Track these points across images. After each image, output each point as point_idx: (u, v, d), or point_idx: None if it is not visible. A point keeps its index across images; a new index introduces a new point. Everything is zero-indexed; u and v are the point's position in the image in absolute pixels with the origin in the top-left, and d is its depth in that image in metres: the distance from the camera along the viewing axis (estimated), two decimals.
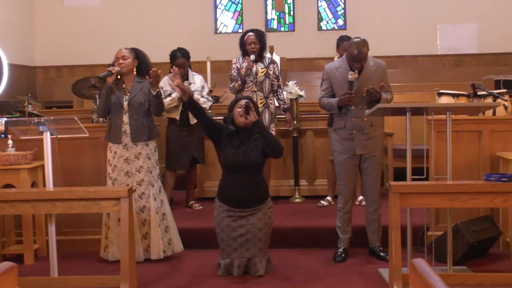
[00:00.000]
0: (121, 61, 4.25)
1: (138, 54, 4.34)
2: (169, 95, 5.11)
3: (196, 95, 5.11)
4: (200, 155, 5.42)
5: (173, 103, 5.13)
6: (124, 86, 4.31)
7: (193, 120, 5.21)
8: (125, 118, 4.26)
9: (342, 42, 5.40)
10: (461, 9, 9.08)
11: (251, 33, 5.30)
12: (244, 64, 5.25)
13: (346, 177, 4.27)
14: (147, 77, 4.15)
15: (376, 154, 4.27)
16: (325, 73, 4.34)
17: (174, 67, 4.13)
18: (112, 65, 4.29)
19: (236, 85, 5.26)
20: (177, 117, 5.24)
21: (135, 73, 4.32)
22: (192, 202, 5.51)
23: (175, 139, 5.30)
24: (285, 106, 5.44)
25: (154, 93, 4.19)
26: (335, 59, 5.46)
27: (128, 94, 4.28)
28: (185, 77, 5.24)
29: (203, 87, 5.30)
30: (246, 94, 5.18)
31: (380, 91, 4.10)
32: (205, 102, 5.20)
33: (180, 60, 5.22)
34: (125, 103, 4.26)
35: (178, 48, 5.32)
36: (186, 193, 5.59)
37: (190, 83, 5.22)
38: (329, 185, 5.55)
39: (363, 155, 4.24)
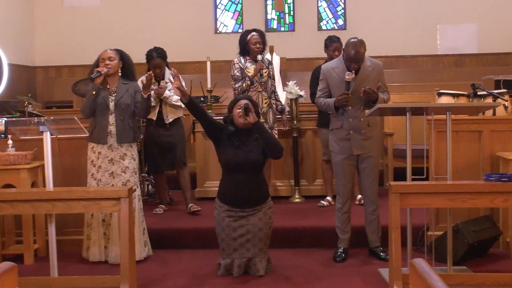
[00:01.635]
0: (107, 62, 4.24)
1: (122, 56, 4.34)
2: None
3: (169, 92, 5.03)
4: (183, 154, 5.29)
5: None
6: (108, 87, 4.30)
7: (167, 120, 5.14)
8: (111, 118, 4.25)
9: (332, 44, 5.35)
10: (461, 9, 9.08)
11: (255, 33, 5.27)
12: (248, 64, 5.23)
13: (344, 177, 4.27)
14: (141, 79, 4.14)
15: (374, 154, 4.27)
16: (321, 73, 4.33)
17: (173, 68, 4.10)
18: (96, 65, 4.27)
19: (244, 85, 5.16)
20: (154, 117, 5.15)
21: (119, 74, 4.32)
22: (191, 205, 5.25)
23: (157, 140, 5.20)
24: (281, 107, 5.43)
25: (145, 96, 4.20)
26: (334, 59, 5.45)
27: (114, 95, 4.27)
28: (161, 77, 5.16)
29: None
30: (252, 94, 5.13)
31: (377, 92, 4.11)
32: (179, 100, 4.94)
33: (156, 60, 5.11)
34: (111, 104, 4.25)
35: (154, 48, 5.20)
36: (184, 197, 5.36)
37: (166, 82, 5.11)
38: (326, 185, 5.55)
39: (360, 156, 4.24)
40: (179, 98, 4.97)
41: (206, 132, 4.23)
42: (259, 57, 5.20)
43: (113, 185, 4.22)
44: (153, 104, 5.06)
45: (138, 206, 4.28)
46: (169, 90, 5.04)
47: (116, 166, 4.26)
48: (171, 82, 3.97)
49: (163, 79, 5.17)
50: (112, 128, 4.25)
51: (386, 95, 4.27)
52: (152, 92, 4.99)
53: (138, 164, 4.41)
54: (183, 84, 4.33)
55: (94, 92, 4.20)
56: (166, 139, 5.21)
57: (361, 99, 4.15)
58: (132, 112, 4.31)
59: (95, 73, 4.18)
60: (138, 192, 4.31)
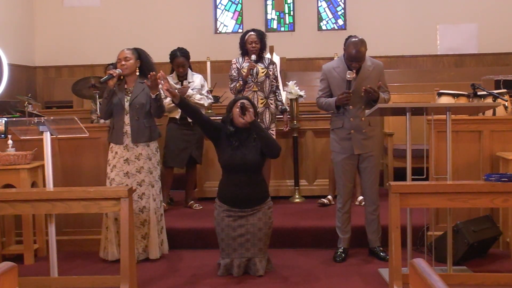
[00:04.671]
0: (123, 62, 4.24)
1: (140, 55, 4.33)
2: None
3: (192, 91, 5.16)
4: (198, 154, 5.41)
5: (171, 103, 5.09)
6: (126, 86, 4.31)
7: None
8: (126, 119, 4.27)
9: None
10: (461, 9, 9.08)
11: (252, 33, 5.29)
12: (245, 64, 5.24)
13: (344, 177, 4.27)
14: (145, 81, 4.15)
15: (374, 154, 4.27)
16: (322, 73, 4.34)
17: (161, 71, 4.09)
18: (115, 66, 4.29)
19: (237, 85, 5.23)
20: (177, 116, 5.25)
21: (137, 73, 4.32)
22: (191, 202, 5.50)
23: (175, 137, 5.30)
24: (283, 107, 5.44)
25: (153, 96, 4.19)
26: (335, 59, 5.45)
27: (130, 95, 4.28)
28: (184, 77, 5.29)
29: (202, 86, 5.33)
30: (247, 94, 5.18)
31: (378, 91, 4.11)
32: (201, 99, 5.22)
33: (180, 59, 5.26)
34: (127, 104, 4.26)
35: (178, 48, 5.35)
36: (185, 193, 5.58)
37: (189, 82, 5.25)
38: (331, 185, 5.55)
39: (361, 155, 4.24)
40: (202, 97, 5.19)
41: (204, 132, 4.25)
42: (253, 57, 5.21)
43: (127, 184, 4.22)
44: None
45: (152, 206, 4.29)
46: (192, 89, 5.19)
47: (131, 166, 4.27)
48: (162, 84, 3.98)
49: (186, 78, 5.26)
50: (127, 128, 4.26)
51: (387, 95, 4.27)
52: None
53: (157, 163, 4.39)
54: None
55: (107, 95, 4.22)
56: (185, 138, 5.30)
57: (362, 98, 4.15)
58: (147, 111, 4.30)
59: (107, 75, 4.18)
60: (153, 191, 4.31)
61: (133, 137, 4.26)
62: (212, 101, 5.50)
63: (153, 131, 4.35)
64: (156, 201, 4.35)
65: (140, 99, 4.26)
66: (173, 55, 5.30)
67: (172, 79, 5.22)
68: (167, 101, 5.01)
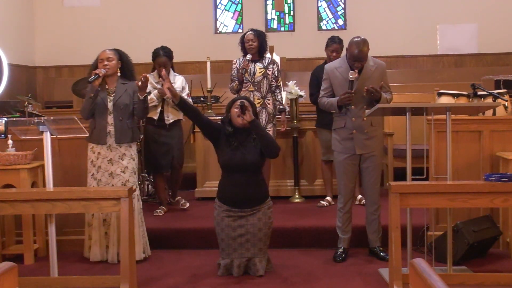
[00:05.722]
0: (106, 62, 4.23)
1: (121, 56, 4.33)
2: (148, 93, 4.94)
3: None
4: (180, 156, 5.33)
5: (152, 102, 5.04)
6: (107, 87, 4.29)
7: (168, 120, 5.16)
8: (110, 119, 4.24)
9: (332, 44, 5.35)
10: (461, 9, 9.09)
11: (250, 32, 5.30)
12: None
13: (346, 177, 4.27)
14: (136, 82, 4.15)
15: (376, 154, 4.26)
16: (325, 73, 4.34)
17: (164, 72, 4.07)
18: (95, 66, 4.27)
19: (234, 85, 5.26)
20: (155, 117, 5.16)
21: (118, 74, 4.31)
22: (178, 198, 5.44)
23: (156, 140, 5.23)
24: (281, 107, 5.41)
25: (141, 97, 4.18)
26: (338, 59, 5.44)
27: (113, 95, 4.25)
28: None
29: (183, 88, 5.20)
30: (244, 94, 5.18)
31: (380, 91, 4.11)
32: None
33: (162, 58, 5.13)
34: (110, 104, 4.24)
35: (162, 47, 5.23)
36: (171, 191, 5.53)
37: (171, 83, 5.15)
38: (326, 185, 5.55)
39: (363, 155, 4.24)
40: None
41: (203, 132, 4.24)
42: (248, 56, 5.21)
43: (112, 185, 4.21)
44: (155, 103, 5.10)
45: (137, 207, 4.28)
46: None
47: (115, 166, 4.25)
48: (163, 83, 3.96)
49: None
50: (110, 129, 4.24)
51: (389, 95, 4.28)
52: (155, 91, 5.02)
53: (137, 164, 4.41)
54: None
55: (92, 95, 4.20)
56: (164, 140, 5.23)
57: (364, 98, 4.15)
58: (130, 112, 4.29)
59: (93, 75, 4.17)
60: (137, 192, 4.31)
61: (116, 138, 4.23)
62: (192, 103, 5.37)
63: (135, 132, 4.35)
64: (140, 202, 4.35)
65: (124, 100, 4.24)
66: (155, 53, 5.18)
67: (153, 78, 5.11)
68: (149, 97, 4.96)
